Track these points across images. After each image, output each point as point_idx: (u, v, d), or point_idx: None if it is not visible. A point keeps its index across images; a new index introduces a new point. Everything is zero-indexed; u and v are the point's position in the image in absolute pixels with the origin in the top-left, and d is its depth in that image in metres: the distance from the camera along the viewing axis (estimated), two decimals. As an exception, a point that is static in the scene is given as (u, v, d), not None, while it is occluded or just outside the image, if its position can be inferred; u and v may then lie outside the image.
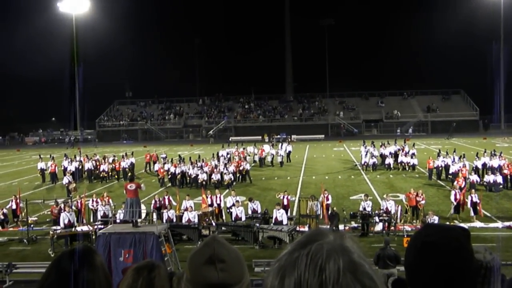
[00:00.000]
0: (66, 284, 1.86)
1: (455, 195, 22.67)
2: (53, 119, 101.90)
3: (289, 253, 1.16)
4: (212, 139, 67.12)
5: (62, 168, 37.06)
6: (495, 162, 31.29)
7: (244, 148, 44.46)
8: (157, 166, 36.23)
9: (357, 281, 1.06)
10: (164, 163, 35.46)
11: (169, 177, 33.97)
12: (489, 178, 28.52)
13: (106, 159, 39.04)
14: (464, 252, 1.80)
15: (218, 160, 36.20)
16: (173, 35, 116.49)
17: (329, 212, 21.83)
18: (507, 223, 21.40)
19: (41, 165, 37.66)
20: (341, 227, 20.91)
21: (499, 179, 28.47)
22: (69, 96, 77.71)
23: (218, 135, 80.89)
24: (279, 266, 1.15)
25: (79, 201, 23.32)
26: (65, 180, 31.85)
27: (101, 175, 36.82)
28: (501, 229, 20.59)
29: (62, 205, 22.28)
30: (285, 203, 22.54)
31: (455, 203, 22.61)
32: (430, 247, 1.78)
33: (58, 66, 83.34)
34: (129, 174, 35.99)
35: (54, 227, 20.94)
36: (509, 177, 29.73)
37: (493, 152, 33.22)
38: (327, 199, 22.68)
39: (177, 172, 33.43)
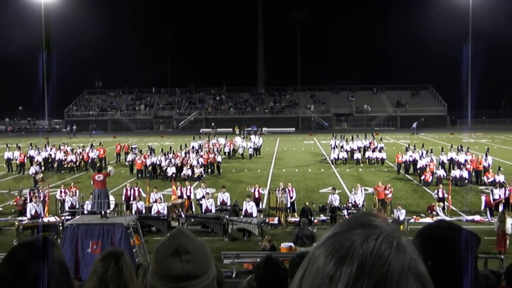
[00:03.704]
0: (18, 277, 1.80)
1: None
2: (20, 108, 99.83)
3: (345, 232, 0.99)
4: (213, 130, 65.80)
5: (29, 157, 36.47)
6: (461, 157, 31.91)
7: (217, 140, 44.59)
8: (130, 157, 35.85)
9: (417, 280, 0.96)
10: (135, 154, 35.20)
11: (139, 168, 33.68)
12: (456, 173, 29.08)
13: (74, 150, 38.55)
14: (468, 256, 1.75)
15: (188, 152, 36.03)
16: (144, 25, 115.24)
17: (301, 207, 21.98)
18: (470, 217, 21.87)
19: (7, 154, 36.89)
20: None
21: (465, 174, 29.08)
22: (37, 85, 76.15)
23: (189, 126, 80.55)
24: (334, 247, 0.97)
25: (43, 192, 22.85)
26: (32, 170, 31.30)
27: (69, 166, 36.30)
28: (465, 222, 21.02)
29: (27, 196, 21.92)
30: (257, 196, 22.61)
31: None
32: (436, 239, 1.78)
33: (26, 54, 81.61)
34: (98, 164, 35.57)
35: (20, 218, 20.59)
36: (473, 172, 30.38)
37: (459, 148, 33.87)
38: (291, 193, 22.89)
39: (148, 164, 33.25)
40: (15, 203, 22.70)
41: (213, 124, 72.19)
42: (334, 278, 0.93)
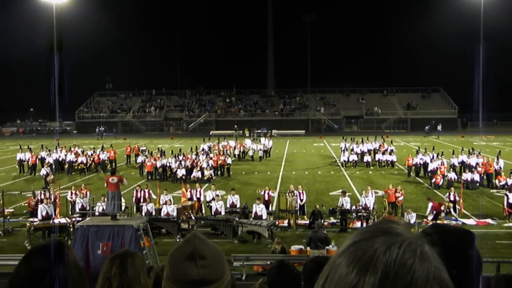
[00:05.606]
0: (36, 281, 1.81)
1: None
2: (31, 109, 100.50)
3: (367, 240, 0.96)
4: (236, 132, 65.64)
5: (40, 158, 36.68)
6: (472, 160, 31.68)
7: (227, 142, 44.65)
8: (140, 159, 35.92)
9: None
10: (145, 156, 35.25)
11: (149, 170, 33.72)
12: (467, 176, 28.86)
13: (85, 151, 38.72)
14: (460, 257, 1.72)
15: (197, 154, 35.99)
16: (155, 27, 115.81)
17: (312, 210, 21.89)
18: (482, 220, 21.67)
19: (20, 155, 37.13)
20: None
21: (476, 177, 28.86)
22: (48, 87, 76.62)
23: (199, 128, 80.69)
24: (356, 256, 0.94)
25: (53, 194, 22.94)
26: (43, 172, 31.48)
27: (79, 167, 36.44)
28: (476, 226, 20.87)
29: (39, 197, 22.02)
30: (266, 198, 22.57)
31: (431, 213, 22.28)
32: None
33: (38, 56, 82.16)
34: (108, 166, 35.78)
35: (31, 219, 20.69)
36: (485, 175, 30.13)
37: (471, 150, 33.62)
38: (301, 195, 22.79)
39: (158, 166, 33.29)
40: (27, 203, 22.82)
41: (235, 126, 72.01)
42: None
